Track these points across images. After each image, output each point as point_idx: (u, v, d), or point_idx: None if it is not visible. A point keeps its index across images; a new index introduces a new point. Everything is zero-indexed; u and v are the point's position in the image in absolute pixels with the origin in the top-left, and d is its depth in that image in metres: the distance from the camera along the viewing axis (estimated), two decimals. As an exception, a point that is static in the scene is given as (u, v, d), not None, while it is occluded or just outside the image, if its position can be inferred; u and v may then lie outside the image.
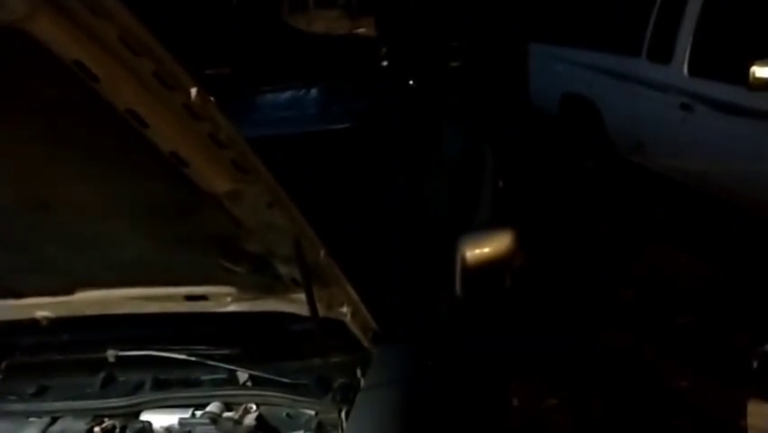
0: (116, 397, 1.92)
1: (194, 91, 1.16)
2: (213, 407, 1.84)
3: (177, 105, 1.18)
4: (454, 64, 10.68)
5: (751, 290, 4.13)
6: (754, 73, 4.04)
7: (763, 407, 1.92)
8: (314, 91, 4.05)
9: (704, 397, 3.35)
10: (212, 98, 1.21)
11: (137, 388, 1.95)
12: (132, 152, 1.28)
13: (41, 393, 2.01)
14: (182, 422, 1.82)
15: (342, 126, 3.07)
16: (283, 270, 1.68)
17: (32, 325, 1.94)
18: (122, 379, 2.00)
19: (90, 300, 1.87)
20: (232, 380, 1.93)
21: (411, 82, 4.64)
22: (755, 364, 2.06)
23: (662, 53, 5.16)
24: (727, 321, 3.90)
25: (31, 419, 1.94)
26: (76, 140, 1.28)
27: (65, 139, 1.28)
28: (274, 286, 1.75)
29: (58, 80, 1.11)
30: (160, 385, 1.95)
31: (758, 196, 4.44)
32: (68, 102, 1.18)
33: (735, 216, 4.73)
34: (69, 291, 1.85)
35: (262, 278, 1.73)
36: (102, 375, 1.99)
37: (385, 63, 9.52)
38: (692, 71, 4.89)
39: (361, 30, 10.25)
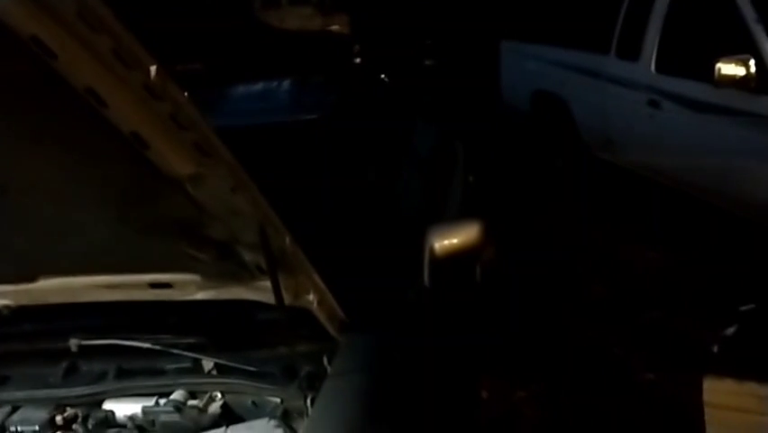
0: (79, 386, 1.90)
1: (153, 70, 1.15)
2: (177, 395, 1.83)
3: (136, 84, 1.17)
4: (428, 62, 10.70)
5: (718, 284, 4.18)
6: (719, 70, 4.09)
7: (718, 383, 1.95)
8: (284, 84, 4.05)
9: (670, 389, 3.39)
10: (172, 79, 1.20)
11: (100, 377, 1.93)
12: (92, 132, 1.27)
13: (2, 383, 1.99)
14: (146, 411, 1.81)
15: (310, 117, 3.07)
16: (248, 257, 1.67)
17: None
18: (84, 368, 1.98)
19: (53, 288, 1.84)
20: (196, 368, 1.92)
21: (383, 76, 4.65)
22: (715, 349, 2.10)
23: (631, 50, 5.21)
24: (694, 316, 3.94)
25: (-8, 409, 1.91)
26: (34, 120, 1.26)
27: (23, 119, 1.26)
28: (239, 274, 1.74)
29: (14, 57, 1.09)
30: (123, 374, 1.93)
31: (725, 191, 4.51)
32: (25, 80, 1.17)
33: (702, 211, 4.79)
34: (31, 279, 1.83)
35: (227, 265, 1.72)
36: (64, 364, 1.97)
37: (358, 60, 9.53)
38: (660, 68, 4.94)
39: (334, 27, 10.24)
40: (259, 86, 4.00)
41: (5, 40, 1.04)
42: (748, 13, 4.22)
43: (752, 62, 4.04)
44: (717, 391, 1.95)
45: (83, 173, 1.42)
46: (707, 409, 1.98)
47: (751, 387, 1.93)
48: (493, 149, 6.52)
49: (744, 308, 2.29)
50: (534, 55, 6.59)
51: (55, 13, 1.04)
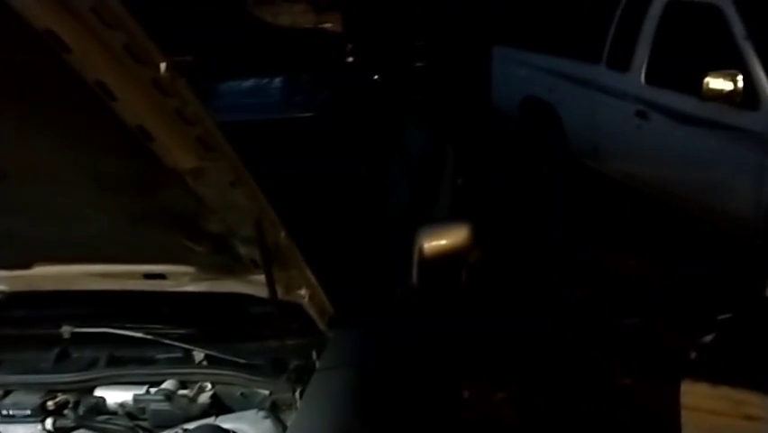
0: (70, 372, 1.92)
1: (163, 66, 1.18)
2: (168, 384, 1.85)
3: (146, 79, 1.20)
4: (419, 64, 10.72)
5: (696, 293, 4.25)
6: (707, 84, 4.16)
7: (696, 386, 2.02)
8: (276, 80, 4.06)
9: (647, 394, 3.45)
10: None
11: (91, 364, 1.95)
12: (98, 124, 1.29)
13: (-7, 367, 2.01)
14: (136, 398, 1.83)
15: (304, 115, 3.10)
16: (243, 250, 1.70)
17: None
18: (76, 355, 2.00)
19: (48, 276, 1.87)
20: (187, 359, 1.95)
21: (376, 77, 4.68)
22: (693, 356, 2.16)
23: (621, 61, 5.28)
24: (672, 323, 4.01)
25: (-18, 393, 1.93)
26: (43, 110, 1.29)
27: (32, 108, 1.29)
28: (233, 267, 1.77)
29: (29, 49, 1.12)
30: (114, 362, 1.95)
31: (707, 203, 4.57)
32: (37, 71, 1.19)
33: (683, 221, 4.86)
34: (27, 266, 1.85)
35: (222, 258, 1.74)
36: (56, 351, 1.99)
37: (350, 59, 9.54)
38: (649, 80, 5.01)
39: (327, 25, 10.24)
40: (250, 81, 4.01)
41: (22, 32, 1.07)
42: (738, 29, 4.30)
43: (739, 78, 4.12)
44: (693, 394, 2.01)
45: (85, 162, 1.45)
46: (683, 412, 2.04)
47: (726, 391, 2.00)
48: (482, 153, 6.58)
49: (721, 317, 2.36)
50: (525, 62, 6.64)
51: (71, 8, 1.07)
